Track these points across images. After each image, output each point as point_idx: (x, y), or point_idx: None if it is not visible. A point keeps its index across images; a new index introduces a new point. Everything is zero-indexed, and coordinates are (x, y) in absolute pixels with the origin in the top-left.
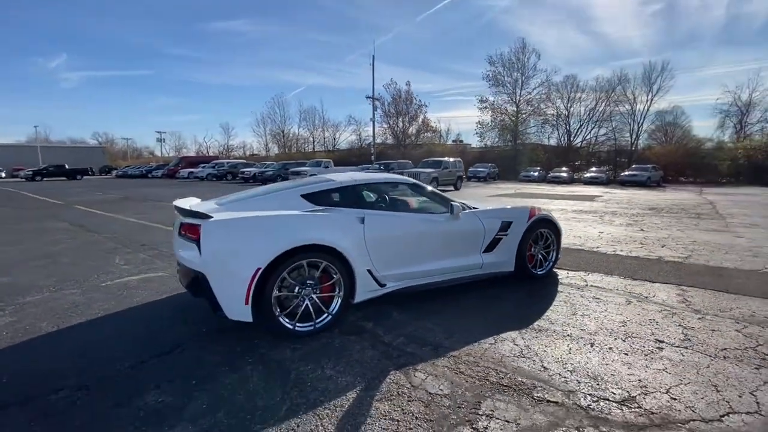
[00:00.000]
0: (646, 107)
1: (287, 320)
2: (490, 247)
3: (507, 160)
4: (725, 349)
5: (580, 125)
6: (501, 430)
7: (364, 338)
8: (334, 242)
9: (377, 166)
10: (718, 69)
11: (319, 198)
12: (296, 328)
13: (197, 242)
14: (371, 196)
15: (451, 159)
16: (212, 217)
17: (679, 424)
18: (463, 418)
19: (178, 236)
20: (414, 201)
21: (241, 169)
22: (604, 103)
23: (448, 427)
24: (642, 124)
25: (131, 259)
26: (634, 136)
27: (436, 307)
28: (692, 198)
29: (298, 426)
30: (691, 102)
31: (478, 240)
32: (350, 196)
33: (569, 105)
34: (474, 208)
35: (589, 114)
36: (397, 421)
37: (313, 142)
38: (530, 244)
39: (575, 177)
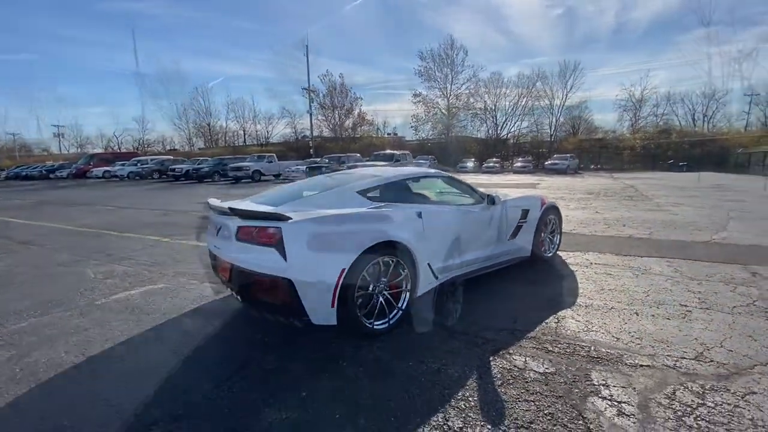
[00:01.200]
0: (562, 102)
1: (365, 319)
2: (514, 234)
3: (443, 151)
4: (735, 306)
5: (506, 119)
6: (624, 395)
7: (437, 330)
8: (404, 238)
9: (326, 160)
10: (617, 69)
11: (374, 194)
12: (374, 327)
13: (277, 246)
14: (417, 190)
15: (400, 152)
16: (291, 218)
17: (749, 370)
18: (586, 390)
19: (236, 240)
20: (453, 193)
21: (171, 166)
22: (525, 98)
23: (580, 399)
24: (559, 118)
25: (110, 272)
26: (552, 129)
27: (476, 297)
28: (612, 182)
29: (446, 420)
30: (596, 97)
31: (508, 228)
32: (400, 191)
33: (496, 100)
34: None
35: (513, 108)
36: (533, 401)
37: (244, 135)
38: (542, 229)
39: (505, 167)
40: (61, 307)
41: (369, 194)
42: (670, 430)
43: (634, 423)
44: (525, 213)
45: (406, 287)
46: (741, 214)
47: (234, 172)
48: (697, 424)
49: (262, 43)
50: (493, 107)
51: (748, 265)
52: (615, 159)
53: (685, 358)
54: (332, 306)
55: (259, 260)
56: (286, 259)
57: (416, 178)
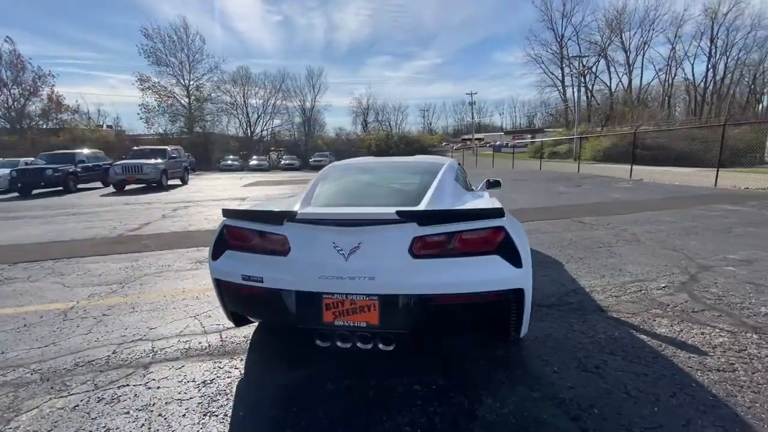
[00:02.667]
0: (312, 103)
1: None
2: None
3: (196, 149)
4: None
5: (259, 116)
6: None
7: (571, 328)
8: None
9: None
10: (338, 78)
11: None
12: None
13: (501, 250)
14: None
15: (172, 147)
16: (503, 215)
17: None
18: None
19: (412, 257)
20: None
21: None
22: (275, 97)
23: None
24: (312, 117)
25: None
26: (308, 127)
27: None
28: None
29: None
30: (333, 101)
31: None
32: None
33: (245, 95)
34: None
35: (264, 106)
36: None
37: None
38: None
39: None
40: None
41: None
42: None
43: None
44: None
45: None
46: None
47: None
48: None
49: None
50: (243, 103)
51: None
52: (357, 156)
53: None
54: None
55: (471, 275)
56: (520, 265)
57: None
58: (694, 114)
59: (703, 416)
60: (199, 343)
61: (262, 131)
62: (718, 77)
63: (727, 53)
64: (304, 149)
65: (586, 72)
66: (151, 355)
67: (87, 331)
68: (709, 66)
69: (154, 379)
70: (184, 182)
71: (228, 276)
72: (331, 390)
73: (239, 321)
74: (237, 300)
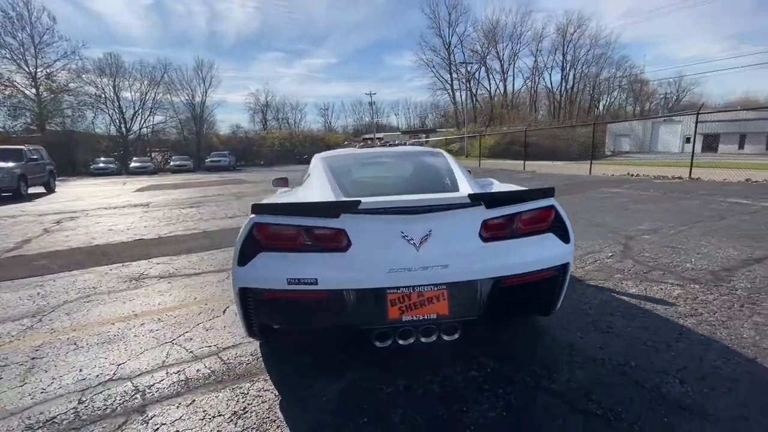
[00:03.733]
0: (202, 98)
1: None
2: None
3: (54, 149)
4: None
5: (136, 111)
6: None
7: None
8: None
9: None
10: (239, 73)
11: None
12: None
13: (554, 227)
14: None
15: (29, 147)
16: (554, 195)
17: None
18: None
19: (482, 240)
20: None
21: None
22: (155, 91)
23: None
24: (202, 114)
25: None
26: (199, 125)
27: None
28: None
29: None
30: (228, 97)
31: None
32: None
33: (117, 88)
34: None
35: (142, 100)
36: None
37: None
38: None
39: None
40: None
41: None
42: None
43: None
44: None
45: None
46: None
47: None
48: None
49: None
50: (115, 96)
51: None
52: (258, 155)
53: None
54: None
55: (538, 255)
56: (569, 240)
57: None
58: (554, 116)
59: (707, 353)
60: (197, 371)
61: (140, 129)
62: (569, 86)
63: (575, 66)
64: (197, 149)
65: (470, 77)
66: (138, 396)
67: (20, 382)
68: (563, 76)
69: (164, 423)
70: (50, 190)
71: (264, 282)
72: (391, 393)
73: (267, 335)
74: (274, 309)
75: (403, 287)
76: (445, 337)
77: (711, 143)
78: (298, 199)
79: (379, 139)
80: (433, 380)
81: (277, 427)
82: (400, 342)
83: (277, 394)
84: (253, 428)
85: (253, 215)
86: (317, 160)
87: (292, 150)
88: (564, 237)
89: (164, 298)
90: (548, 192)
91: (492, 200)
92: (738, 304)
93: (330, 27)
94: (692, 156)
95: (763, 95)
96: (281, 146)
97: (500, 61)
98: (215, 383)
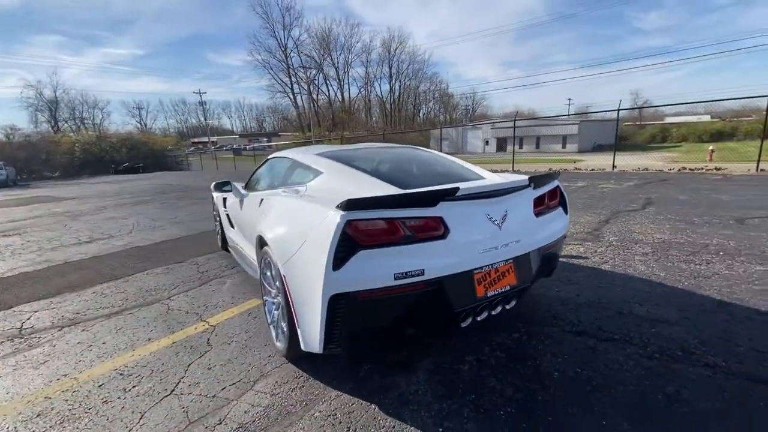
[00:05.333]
0: None
1: None
2: None
3: None
4: None
5: None
6: None
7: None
8: None
9: None
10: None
11: None
12: None
13: (561, 202)
14: None
15: None
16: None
17: None
18: None
19: (535, 216)
20: None
21: None
22: None
23: None
24: None
25: None
26: None
27: None
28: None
29: None
30: None
31: None
32: None
33: None
34: None
35: None
36: None
37: None
38: None
39: None
40: None
41: None
42: None
43: None
44: None
45: None
46: None
47: None
48: None
49: None
50: None
51: None
52: (50, 165)
53: None
54: None
55: (557, 226)
56: (567, 212)
57: None
58: (386, 122)
59: (632, 281)
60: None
61: None
62: (396, 96)
63: (399, 79)
64: None
65: (310, 82)
66: None
67: None
68: (390, 87)
69: None
70: None
71: (365, 283)
72: (469, 368)
73: (343, 345)
74: (373, 311)
75: (486, 266)
76: (507, 307)
77: (501, 145)
78: (329, 196)
79: (213, 143)
80: (493, 348)
81: (402, 430)
82: (478, 319)
83: (366, 403)
84: None
85: (345, 212)
86: (316, 157)
87: (103, 157)
88: (565, 210)
89: (87, 358)
90: (557, 174)
91: (537, 182)
92: (621, 250)
93: (132, 11)
94: (513, 155)
95: (527, 108)
96: (85, 153)
97: (336, 69)
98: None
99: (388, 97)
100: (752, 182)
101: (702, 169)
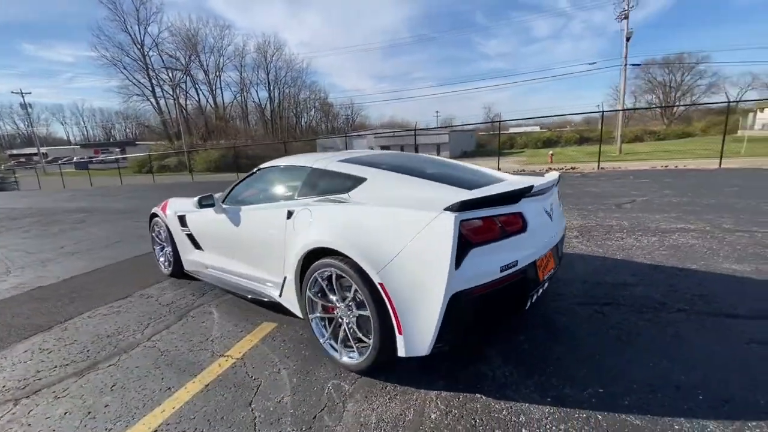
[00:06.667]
0: None
1: None
2: None
3: None
4: None
5: None
6: None
7: None
8: None
9: None
10: None
11: None
12: None
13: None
14: None
15: None
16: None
17: None
18: None
19: (562, 209)
20: None
21: None
22: None
23: None
24: None
25: None
26: None
27: None
28: None
29: None
30: None
31: None
32: None
33: None
34: None
35: None
36: None
37: None
38: None
39: None
40: None
41: None
42: None
43: None
44: None
45: None
46: None
47: None
48: None
49: None
50: None
51: None
52: None
53: None
54: None
55: (563, 217)
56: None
57: None
58: (267, 131)
59: (618, 261)
60: None
61: None
62: (275, 103)
63: (278, 86)
64: None
65: (176, 85)
66: None
67: None
68: (269, 94)
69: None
70: None
71: (480, 278)
72: (528, 345)
73: (451, 342)
74: (482, 304)
75: (544, 253)
76: (541, 291)
77: None
78: (398, 200)
79: (44, 155)
80: (529, 327)
81: (515, 409)
82: (533, 301)
83: (471, 395)
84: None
85: (456, 213)
86: (344, 164)
87: None
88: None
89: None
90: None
91: (559, 179)
92: (602, 240)
93: None
94: None
95: (401, 118)
96: None
97: (206, 72)
98: None
99: (267, 105)
100: (602, 177)
101: (563, 168)
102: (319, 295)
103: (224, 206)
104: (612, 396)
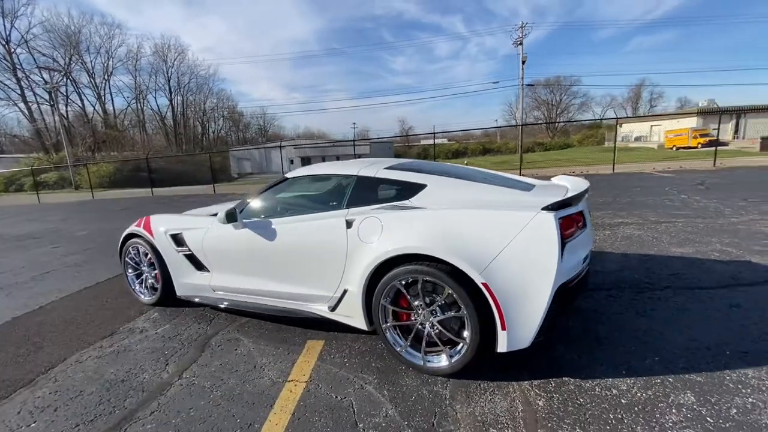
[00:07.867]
0: None
1: None
2: None
3: None
4: None
5: None
6: None
7: None
8: None
9: None
10: None
11: None
12: None
13: None
14: None
15: None
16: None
17: None
18: None
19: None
20: None
21: None
22: None
23: None
24: None
25: None
26: None
27: None
28: None
29: None
30: None
31: None
32: None
33: None
34: None
35: None
36: None
37: None
38: None
39: None
40: None
41: None
42: None
43: None
44: None
45: None
46: None
47: None
48: None
49: None
50: None
51: None
52: None
53: None
54: None
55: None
56: None
57: None
58: (170, 141)
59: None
60: None
61: None
62: (178, 111)
63: (181, 93)
64: None
65: (54, 89)
66: None
67: None
68: (170, 101)
69: None
70: None
71: (573, 269)
72: (592, 328)
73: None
74: (570, 295)
75: (591, 246)
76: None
77: (305, 163)
78: (470, 204)
79: None
80: (598, 302)
81: (604, 384)
82: None
83: (574, 379)
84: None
85: (553, 213)
86: (393, 171)
87: None
88: None
89: None
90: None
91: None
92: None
93: None
94: None
95: (317, 129)
96: None
97: (91, 76)
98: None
99: (168, 112)
100: None
101: None
102: (393, 303)
103: (245, 221)
104: (668, 361)
